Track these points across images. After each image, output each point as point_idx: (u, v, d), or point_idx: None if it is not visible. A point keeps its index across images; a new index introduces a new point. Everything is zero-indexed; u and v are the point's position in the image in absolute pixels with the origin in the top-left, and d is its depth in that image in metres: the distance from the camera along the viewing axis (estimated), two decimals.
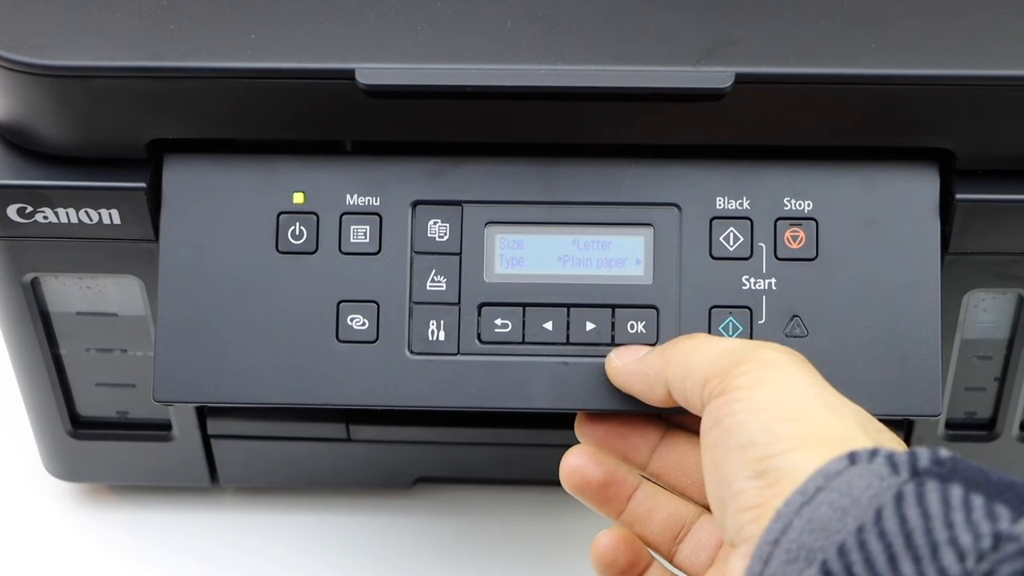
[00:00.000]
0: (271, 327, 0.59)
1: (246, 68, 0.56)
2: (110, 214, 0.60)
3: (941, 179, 0.59)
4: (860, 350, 0.58)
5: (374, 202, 0.59)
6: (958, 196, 0.58)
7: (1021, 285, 0.62)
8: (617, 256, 0.59)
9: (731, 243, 0.59)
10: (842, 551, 0.42)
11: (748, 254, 0.59)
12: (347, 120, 0.58)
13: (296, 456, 0.72)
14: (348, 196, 0.59)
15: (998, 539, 0.40)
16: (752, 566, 0.44)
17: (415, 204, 0.60)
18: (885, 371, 0.58)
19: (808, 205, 0.59)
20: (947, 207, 0.59)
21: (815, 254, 0.59)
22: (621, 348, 0.58)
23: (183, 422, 0.70)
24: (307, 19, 0.58)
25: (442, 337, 0.59)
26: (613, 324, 0.58)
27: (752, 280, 0.59)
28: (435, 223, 0.59)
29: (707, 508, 0.58)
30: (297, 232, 0.59)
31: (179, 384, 0.59)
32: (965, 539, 0.40)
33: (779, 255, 0.59)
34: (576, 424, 0.59)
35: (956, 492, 0.42)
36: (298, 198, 0.60)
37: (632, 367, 0.57)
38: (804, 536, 0.43)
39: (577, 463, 0.58)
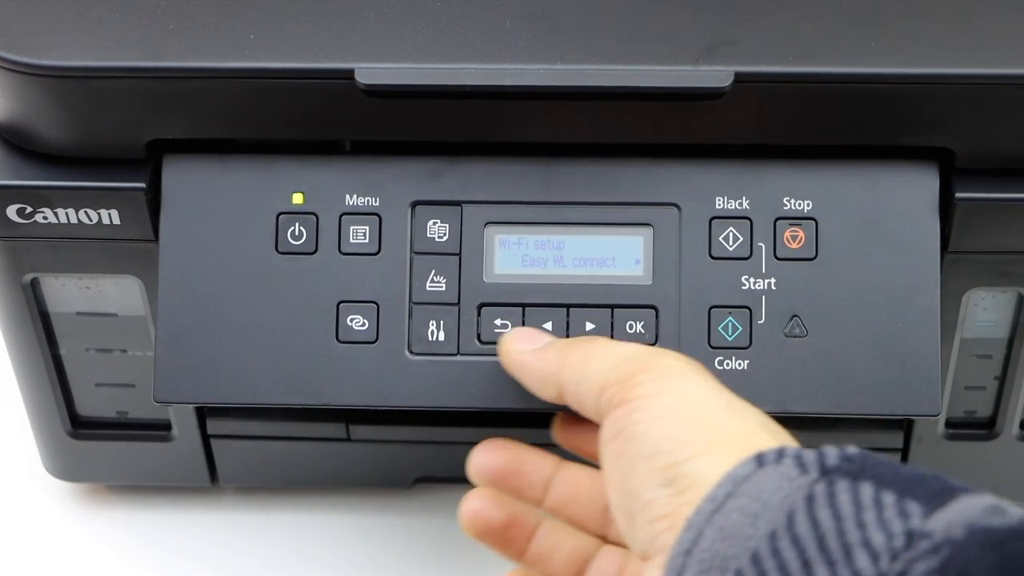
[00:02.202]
0: (271, 327, 0.59)
1: (246, 68, 0.56)
2: (110, 214, 0.60)
3: (940, 178, 0.59)
4: (860, 350, 0.58)
5: (373, 202, 0.59)
6: (958, 195, 0.58)
7: (1021, 284, 0.62)
8: (616, 256, 0.59)
9: (730, 243, 0.59)
10: (755, 559, 0.41)
11: (748, 254, 0.59)
12: (346, 120, 0.58)
13: (296, 456, 0.72)
14: (347, 196, 0.59)
15: (911, 537, 0.40)
16: None
17: (414, 204, 0.60)
18: (885, 371, 0.58)
19: (807, 205, 0.59)
20: (947, 206, 0.59)
21: (815, 254, 0.59)
22: (517, 331, 0.57)
23: (183, 422, 0.70)
24: (306, 19, 0.58)
25: (442, 337, 0.59)
26: (612, 324, 0.58)
27: (752, 280, 0.59)
28: (434, 223, 0.59)
29: (606, 539, 0.57)
30: (297, 232, 0.59)
31: (179, 384, 0.59)
32: (878, 539, 0.40)
33: (779, 255, 0.59)
34: (468, 465, 0.58)
35: (867, 490, 0.42)
36: (297, 198, 0.60)
37: (528, 359, 0.55)
38: (717, 545, 0.42)
39: (478, 507, 0.57)
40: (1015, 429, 0.68)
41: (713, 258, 0.59)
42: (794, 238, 0.59)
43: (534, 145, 0.60)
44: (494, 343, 0.58)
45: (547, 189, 0.59)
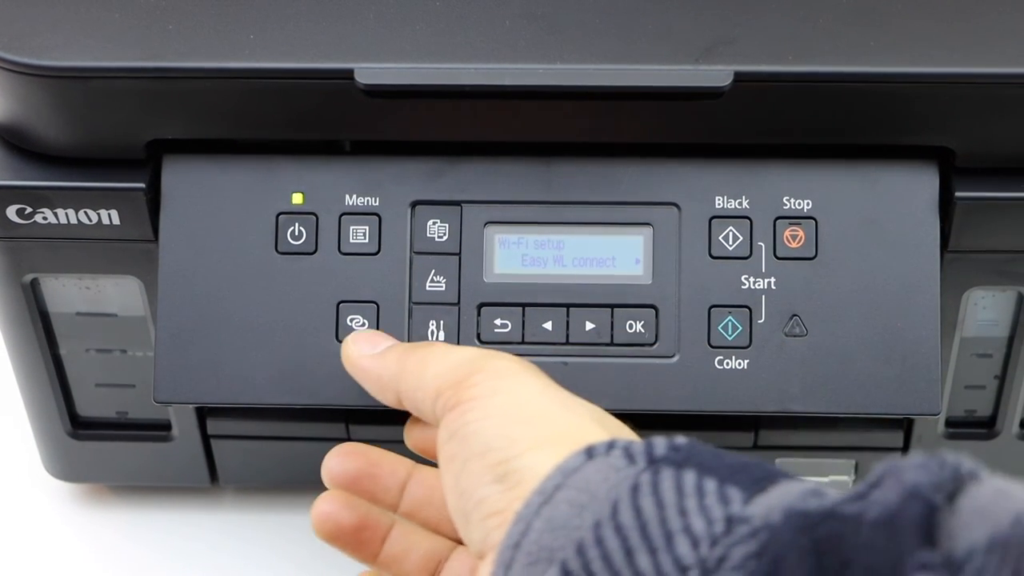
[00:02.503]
0: (271, 328, 0.59)
1: (245, 68, 0.56)
2: (109, 215, 0.60)
3: (940, 177, 0.59)
4: (859, 349, 0.58)
5: (373, 202, 0.59)
6: (957, 194, 0.58)
7: (1021, 283, 0.62)
8: (616, 255, 0.59)
9: (730, 242, 0.59)
10: (580, 549, 0.41)
11: (747, 253, 0.59)
12: (346, 120, 0.58)
13: (296, 456, 0.72)
14: (347, 196, 0.59)
15: (730, 522, 0.40)
16: (496, 573, 0.43)
17: (414, 204, 0.60)
18: (884, 370, 0.58)
19: (807, 204, 0.59)
20: (946, 205, 0.59)
21: (814, 253, 0.59)
22: (359, 334, 0.57)
23: (183, 422, 0.69)
24: (306, 19, 0.58)
25: (442, 337, 0.59)
26: (612, 324, 0.58)
27: (751, 279, 0.59)
28: (434, 223, 0.59)
29: (460, 541, 0.56)
30: (296, 232, 0.59)
31: (179, 385, 0.59)
32: (698, 525, 0.40)
33: (778, 254, 0.59)
34: (322, 470, 0.57)
35: (689, 478, 0.42)
36: (297, 198, 0.60)
37: (368, 364, 0.55)
38: (544, 537, 0.42)
39: (328, 509, 0.56)
40: (1015, 428, 0.68)
41: (713, 258, 0.59)
42: (794, 237, 0.59)
43: (534, 145, 0.60)
44: (494, 343, 0.59)
45: (547, 189, 0.59)
